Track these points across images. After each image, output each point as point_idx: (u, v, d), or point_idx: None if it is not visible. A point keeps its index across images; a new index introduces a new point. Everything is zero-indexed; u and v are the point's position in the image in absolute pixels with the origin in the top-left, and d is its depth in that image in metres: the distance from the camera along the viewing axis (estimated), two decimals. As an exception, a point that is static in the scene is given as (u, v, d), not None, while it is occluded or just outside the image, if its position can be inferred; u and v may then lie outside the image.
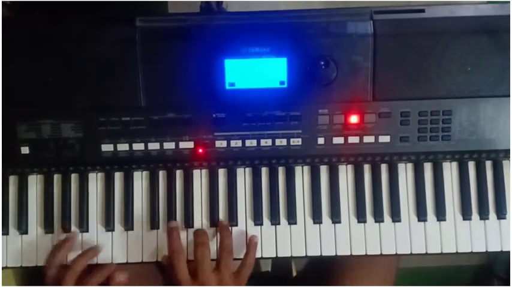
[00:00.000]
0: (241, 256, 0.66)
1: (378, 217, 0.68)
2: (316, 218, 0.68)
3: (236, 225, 0.68)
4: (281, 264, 0.99)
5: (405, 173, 0.69)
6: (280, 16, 0.65)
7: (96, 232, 0.69)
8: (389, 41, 0.64)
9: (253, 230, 0.68)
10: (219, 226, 0.68)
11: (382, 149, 0.66)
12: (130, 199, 0.69)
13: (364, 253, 0.68)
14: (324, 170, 0.69)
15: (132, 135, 0.66)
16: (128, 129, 0.66)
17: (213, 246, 0.67)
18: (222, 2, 0.80)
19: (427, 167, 0.69)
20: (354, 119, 0.66)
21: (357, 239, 0.68)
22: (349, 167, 0.69)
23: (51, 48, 0.64)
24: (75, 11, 0.77)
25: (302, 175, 0.69)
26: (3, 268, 0.68)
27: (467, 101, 0.65)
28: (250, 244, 0.67)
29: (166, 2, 0.86)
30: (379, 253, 0.68)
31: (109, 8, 0.80)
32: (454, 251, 0.68)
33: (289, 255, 0.68)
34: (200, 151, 0.66)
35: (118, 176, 0.69)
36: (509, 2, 0.64)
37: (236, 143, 0.66)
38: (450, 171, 0.69)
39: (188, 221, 0.68)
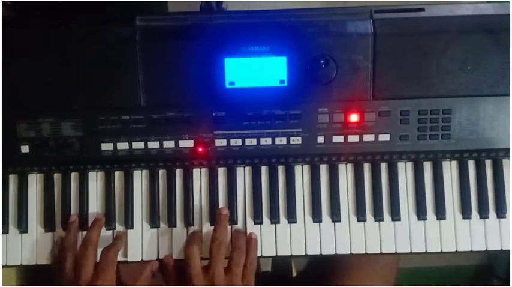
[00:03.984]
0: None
1: (378, 216, 0.68)
2: (316, 216, 0.68)
3: (236, 224, 0.68)
4: (281, 264, 0.99)
5: (405, 171, 0.69)
6: (280, 15, 0.65)
7: (96, 231, 0.69)
8: (389, 40, 0.64)
9: (253, 228, 0.68)
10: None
11: (382, 147, 0.66)
12: (130, 198, 0.69)
13: (364, 252, 0.68)
14: (323, 169, 0.69)
15: (132, 134, 0.66)
16: (128, 128, 0.66)
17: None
18: (222, 1, 0.80)
19: (427, 166, 0.69)
20: (353, 117, 0.66)
21: (356, 238, 0.68)
22: (349, 166, 0.69)
23: (51, 48, 0.64)
24: (75, 11, 0.78)
25: (302, 174, 0.69)
26: (3, 267, 0.68)
27: (467, 100, 0.65)
28: (250, 241, 0.67)
29: (166, 1, 0.87)
30: (378, 251, 0.67)
31: (109, 8, 0.80)
32: (454, 250, 0.68)
33: (289, 254, 0.68)
34: (200, 149, 0.66)
35: (118, 175, 0.69)
36: (509, 1, 0.64)
37: (236, 142, 0.66)
38: (450, 170, 0.69)
39: (188, 220, 0.68)
